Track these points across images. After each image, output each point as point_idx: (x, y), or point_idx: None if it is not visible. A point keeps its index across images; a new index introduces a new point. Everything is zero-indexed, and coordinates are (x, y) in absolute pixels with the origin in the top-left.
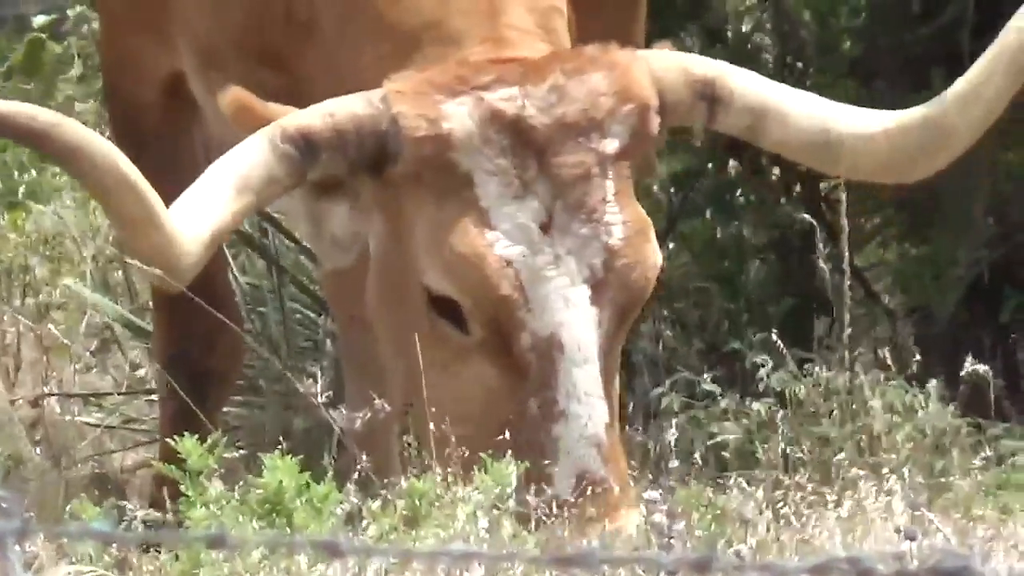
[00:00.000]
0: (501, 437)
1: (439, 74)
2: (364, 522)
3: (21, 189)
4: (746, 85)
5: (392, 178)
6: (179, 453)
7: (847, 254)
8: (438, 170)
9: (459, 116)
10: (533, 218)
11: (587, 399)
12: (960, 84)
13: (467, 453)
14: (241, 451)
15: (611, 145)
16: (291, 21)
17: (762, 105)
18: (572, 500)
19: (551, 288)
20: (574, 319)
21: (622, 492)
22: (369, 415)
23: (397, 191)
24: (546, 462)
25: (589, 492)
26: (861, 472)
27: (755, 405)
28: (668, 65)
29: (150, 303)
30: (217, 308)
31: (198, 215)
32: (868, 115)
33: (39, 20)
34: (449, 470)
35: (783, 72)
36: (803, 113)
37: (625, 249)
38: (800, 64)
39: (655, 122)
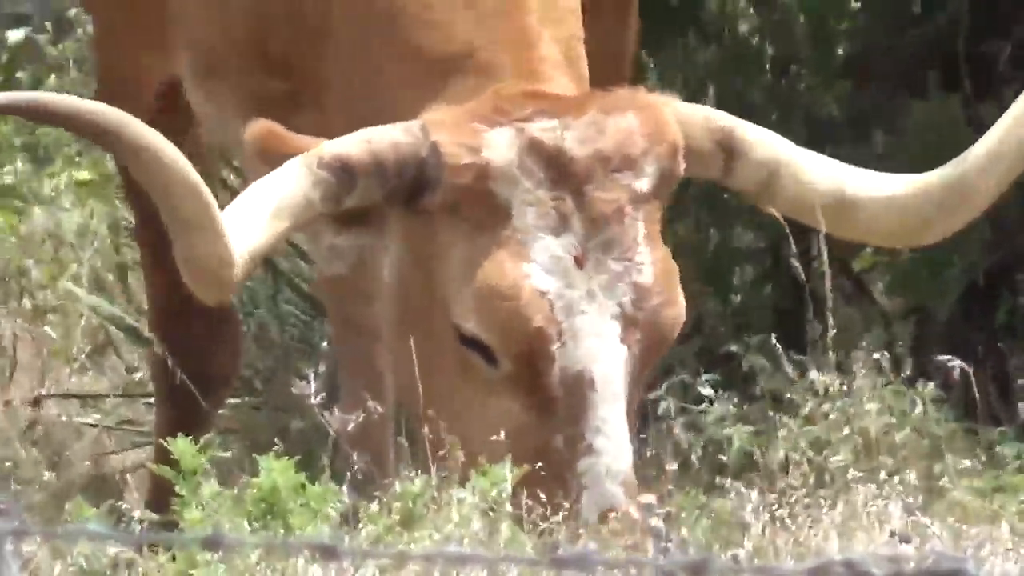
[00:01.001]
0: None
1: (477, 105)
2: (360, 524)
3: (15, 193)
4: (762, 139)
5: (427, 208)
6: (173, 455)
7: (824, 253)
8: (476, 200)
9: (499, 145)
10: (568, 251)
11: (614, 436)
12: (983, 144)
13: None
14: (235, 452)
15: (644, 184)
16: (298, 26)
17: (777, 160)
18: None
19: (584, 323)
20: (605, 355)
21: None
22: (363, 417)
23: (430, 221)
24: (572, 497)
25: (612, 518)
26: (857, 474)
27: (749, 408)
28: (691, 112)
29: (146, 306)
30: (216, 313)
31: (238, 234)
32: (884, 178)
33: (14, 37)
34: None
35: (778, 74)
36: (818, 172)
37: (655, 288)
38: (795, 66)
39: (681, 164)
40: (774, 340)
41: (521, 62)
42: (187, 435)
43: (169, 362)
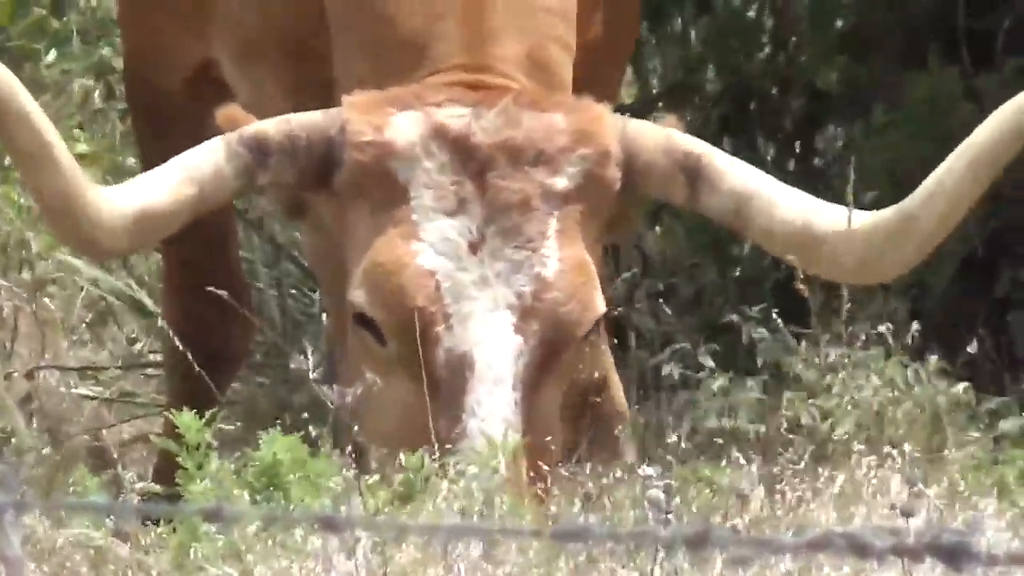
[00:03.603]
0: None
1: (398, 91)
2: (360, 496)
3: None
4: (734, 170)
5: (338, 187)
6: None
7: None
8: (377, 179)
9: (403, 126)
10: (462, 235)
11: (491, 420)
12: (928, 178)
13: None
14: (237, 426)
15: (560, 183)
16: (322, 18)
17: (749, 192)
18: None
19: (472, 308)
20: (491, 341)
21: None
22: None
23: (341, 200)
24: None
25: None
26: (859, 446)
27: (750, 382)
28: (647, 130)
29: (146, 277)
30: (230, 289)
31: (133, 192)
32: (850, 214)
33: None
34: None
35: (777, 47)
36: (789, 206)
37: (558, 283)
38: (794, 38)
39: (615, 173)
40: (775, 315)
41: (474, 57)
42: (195, 409)
43: (179, 338)
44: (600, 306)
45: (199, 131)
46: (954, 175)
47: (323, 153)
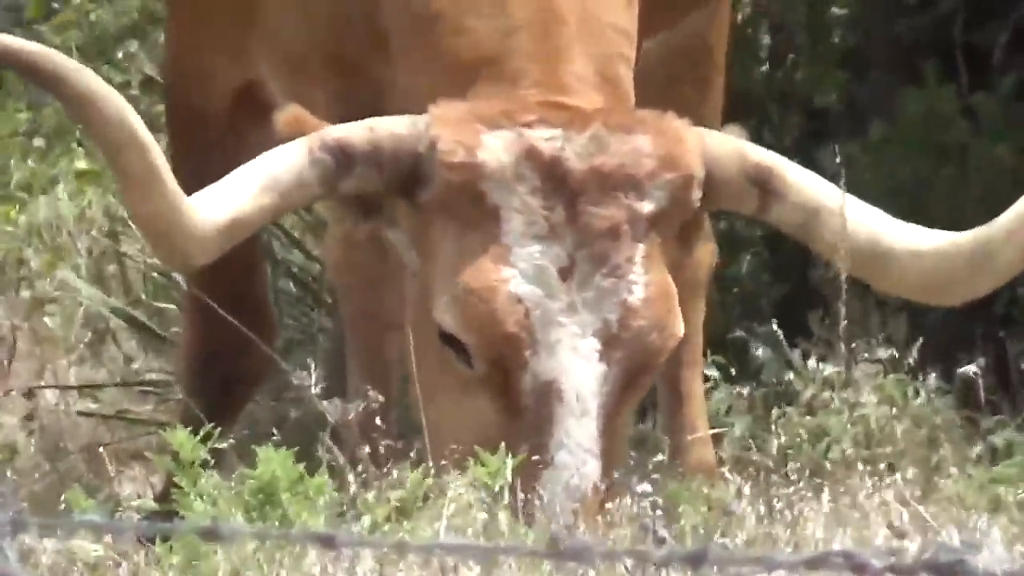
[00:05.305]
0: None
1: (485, 106)
2: (359, 513)
3: (13, 182)
4: (803, 182)
5: (422, 203)
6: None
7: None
8: (467, 200)
9: (495, 148)
10: (553, 262)
11: (578, 451)
12: (1011, 212)
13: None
14: (233, 442)
15: (647, 207)
16: (372, 33)
17: (817, 205)
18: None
19: (560, 335)
20: (578, 369)
21: None
22: (363, 407)
23: (426, 217)
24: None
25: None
26: (857, 464)
27: (746, 389)
28: (723, 144)
29: (143, 296)
30: (254, 311)
31: (218, 200)
32: (918, 231)
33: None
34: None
35: (775, 64)
36: (857, 220)
37: (644, 311)
38: (792, 55)
39: (697, 195)
40: (775, 327)
41: (548, 74)
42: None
43: (198, 359)
44: (680, 330)
45: (237, 155)
46: None
47: (410, 167)
